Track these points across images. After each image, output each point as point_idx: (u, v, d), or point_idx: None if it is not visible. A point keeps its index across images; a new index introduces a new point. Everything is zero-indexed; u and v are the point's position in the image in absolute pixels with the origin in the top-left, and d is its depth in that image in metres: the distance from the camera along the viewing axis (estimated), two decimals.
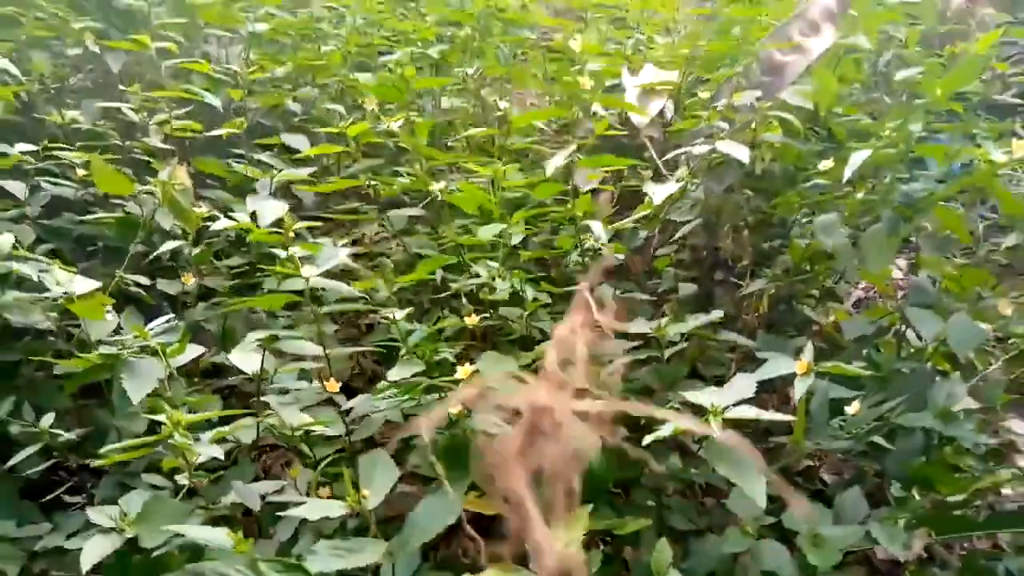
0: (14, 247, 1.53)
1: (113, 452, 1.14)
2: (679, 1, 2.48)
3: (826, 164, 1.47)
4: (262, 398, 1.44)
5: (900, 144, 1.47)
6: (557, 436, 0.70)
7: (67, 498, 1.56)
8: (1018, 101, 2.54)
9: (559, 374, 0.75)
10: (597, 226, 1.52)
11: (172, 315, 1.50)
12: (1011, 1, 2.93)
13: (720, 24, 2.12)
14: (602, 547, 1.34)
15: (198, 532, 1.04)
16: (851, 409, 1.36)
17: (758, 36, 2.01)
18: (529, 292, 1.64)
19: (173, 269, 1.93)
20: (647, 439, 1.16)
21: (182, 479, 1.19)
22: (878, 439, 1.40)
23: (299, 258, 1.38)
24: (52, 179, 1.96)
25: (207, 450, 1.13)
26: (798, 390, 1.23)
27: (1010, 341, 1.94)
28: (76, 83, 2.39)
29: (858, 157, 1.34)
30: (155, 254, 1.75)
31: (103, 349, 1.40)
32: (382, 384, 1.36)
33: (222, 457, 1.16)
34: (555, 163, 1.52)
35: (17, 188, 1.88)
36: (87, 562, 1.14)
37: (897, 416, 1.40)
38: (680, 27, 2.62)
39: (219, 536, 1.00)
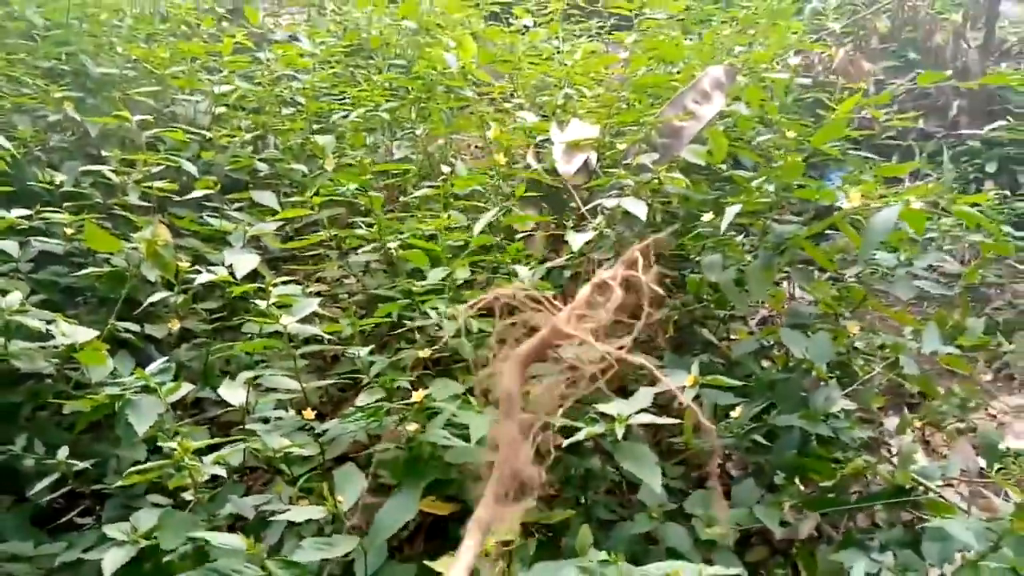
0: (21, 304, 1.75)
1: (131, 475, 1.37)
2: (608, 63, 2.80)
3: (707, 217, 1.80)
4: (245, 426, 1.69)
5: (770, 197, 1.81)
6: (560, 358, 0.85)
7: (77, 520, 1.77)
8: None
9: (585, 309, 0.91)
10: (522, 270, 1.83)
11: (166, 358, 1.73)
12: (886, 53, 3.34)
13: (634, 85, 2.45)
14: (538, 536, 1.61)
15: (217, 538, 1.27)
16: (735, 413, 1.67)
17: (668, 95, 2.35)
18: (475, 325, 1.92)
19: (156, 314, 2.16)
20: (566, 441, 1.45)
21: (188, 495, 1.43)
22: (759, 438, 1.71)
23: (276, 306, 1.64)
24: (42, 237, 2.17)
25: (212, 470, 1.37)
26: (686, 399, 1.53)
27: (886, 350, 2.30)
28: (56, 143, 2.60)
29: (731, 211, 1.67)
30: (144, 304, 1.97)
31: (108, 390, 1.63)
32: (350, 410, 1.62)
33: (225, 475, 1.40)
34: (481, 224, 1.81)
35: (11, 247, 2.09)
36: (109, 568, 1.37)
37: (774, 418, 1.72)
38: (608, 79, 2.95)
39: (234, 540, 1.24)
